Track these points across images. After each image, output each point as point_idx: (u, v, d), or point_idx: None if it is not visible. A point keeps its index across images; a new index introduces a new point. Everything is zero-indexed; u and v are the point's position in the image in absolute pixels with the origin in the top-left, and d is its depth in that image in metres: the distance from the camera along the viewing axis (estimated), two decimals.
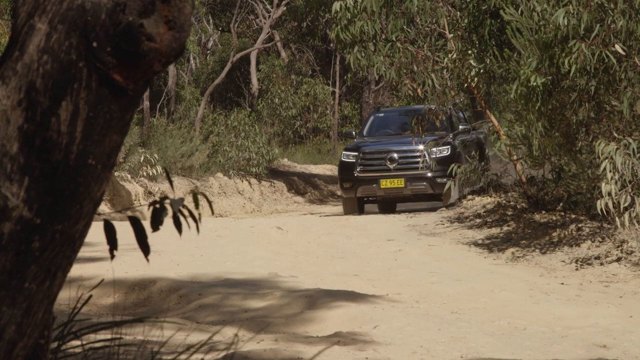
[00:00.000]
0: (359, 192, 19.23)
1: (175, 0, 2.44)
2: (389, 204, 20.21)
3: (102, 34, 2.40)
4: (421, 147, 18.80)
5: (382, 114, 21.77)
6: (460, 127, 20.21)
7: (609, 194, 8.82)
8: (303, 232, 12.14)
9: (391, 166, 19.04)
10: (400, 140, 19.80)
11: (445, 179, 17.48)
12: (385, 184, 19.04)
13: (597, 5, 9.22)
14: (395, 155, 19.12)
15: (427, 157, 18.85)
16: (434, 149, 19.05)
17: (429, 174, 18.94)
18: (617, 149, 8.80)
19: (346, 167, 19.50)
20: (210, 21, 39.32)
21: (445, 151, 19.17)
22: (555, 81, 10.00)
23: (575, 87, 9.92)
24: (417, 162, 18.99)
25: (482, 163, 20.45)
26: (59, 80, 2.39)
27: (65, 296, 6.14)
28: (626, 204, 8.89)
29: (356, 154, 19.45)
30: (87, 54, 2.40)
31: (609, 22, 9.28)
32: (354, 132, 20.59)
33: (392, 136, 20.61)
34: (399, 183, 18.95)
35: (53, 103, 2.39)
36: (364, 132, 21.05)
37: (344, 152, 19.95)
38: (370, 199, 19.78)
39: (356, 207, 19.40)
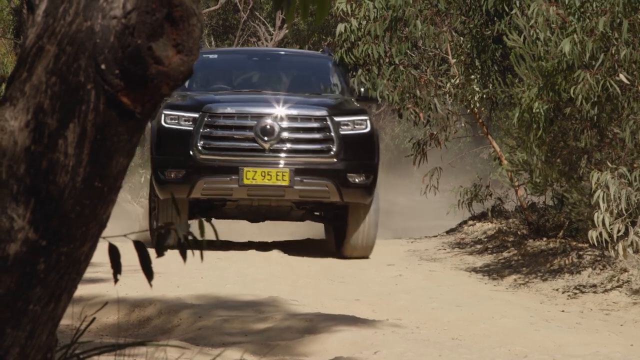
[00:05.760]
0: (196, 190, 10.39)
1: (184, 24, 2.45)
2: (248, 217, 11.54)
3: (110, 57, 2.41)
4: (324, 111, 10.72)
5: (215, 56, 12.63)
6: (362, 90, 12.04)
7: (603, 223, 8.80)
8: (303, 254, 12.11)
9: (266, 144, 10.45)
10: (285, 98, 10.95)
11: (364, 178, 10.72)
12: (254, 176, 10.36)
13: (601, 34, 9.25)
14: (275, 125, 10.46)
15: (332, 133, 10.62)
16: (343, 120, 10.76)
17: (338, 166, 10.62)
18: (611, 177, 8.80)
19: (172, 139, 10.57)
20: (213, 43, 39.40)
21: (363, 126, 10.86)
22: (557, 109, 10.01)
23: (577, 115, 9.94)
24: (317, 141, 10.65)
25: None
26: (66, 102, 2.40)
27: (68, 316, 6.12)
28: (620, 233, 8.87)
29: (196, 115, 10.49)
30: (95, 76, 2.41)
31: (613, 51, 9.31)
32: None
33: (259, 94, 11.36)
34: (279, 177, 10.39)
35: (60, 125, 2.39)
36: (193, 85, 11.82)
37: (165, 112, 10.64)
38: (215, 205, 11.07)
39: (177, 220, 10.00)
